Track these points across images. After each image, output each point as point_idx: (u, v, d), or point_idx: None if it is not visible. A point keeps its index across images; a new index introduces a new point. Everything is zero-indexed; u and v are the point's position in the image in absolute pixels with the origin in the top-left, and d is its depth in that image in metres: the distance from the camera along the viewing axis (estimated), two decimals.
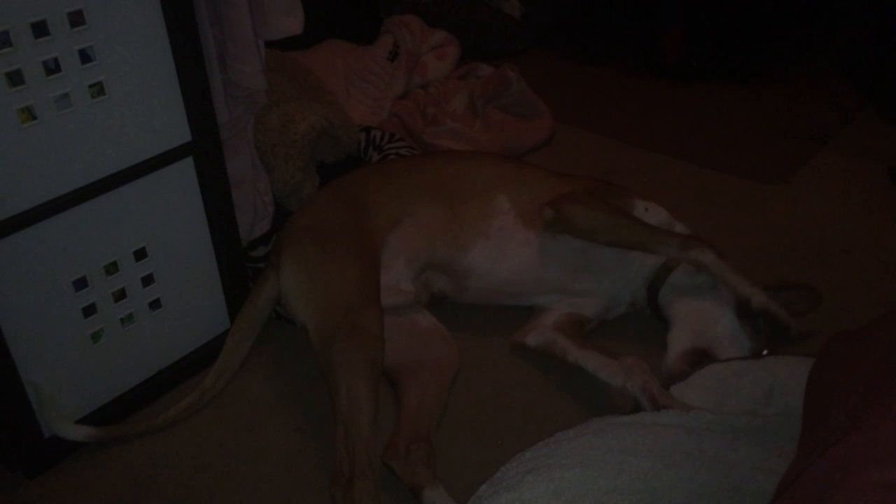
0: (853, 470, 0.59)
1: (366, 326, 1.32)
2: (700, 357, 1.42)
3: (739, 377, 1.29)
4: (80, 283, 1.29)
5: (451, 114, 2.28)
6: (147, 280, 1.39)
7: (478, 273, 1.56)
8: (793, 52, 2.80)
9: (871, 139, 2.31)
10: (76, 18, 1.14)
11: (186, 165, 1.37)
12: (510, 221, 1.56)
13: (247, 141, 1.66)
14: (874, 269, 1.78)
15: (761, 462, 1.06)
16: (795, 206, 2.03)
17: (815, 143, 2.28)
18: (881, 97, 2.45)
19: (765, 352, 1.41)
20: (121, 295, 1.36)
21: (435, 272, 1.56)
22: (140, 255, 1.36)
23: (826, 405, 0.77)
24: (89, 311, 1.32)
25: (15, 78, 1.10)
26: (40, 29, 1.10)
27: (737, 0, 2.62)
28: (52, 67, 1.14)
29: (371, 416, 1.25)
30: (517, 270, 1.56)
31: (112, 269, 1.33)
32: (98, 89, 1.20)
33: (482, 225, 1.55)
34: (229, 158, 1.50)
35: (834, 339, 0.92)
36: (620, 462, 1.01)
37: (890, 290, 1.71)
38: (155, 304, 1.42)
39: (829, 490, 0.59)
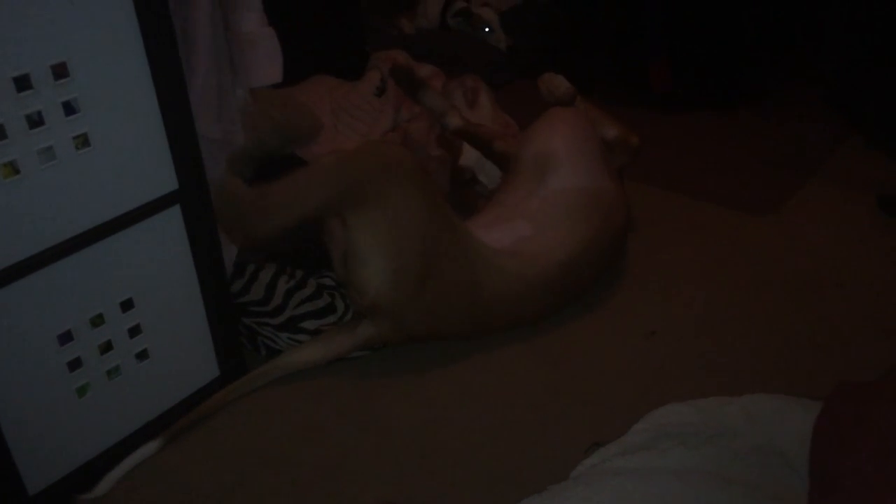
0: None
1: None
2: None
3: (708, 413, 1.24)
4: (65, 338, 1.26)
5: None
6: (134, 331, 1.36)
7: None
8: (778, 81, 2.81)
9: (858, 167, 2.31)
10: (60, 71, 1.12)
11: (174, 214, 1.35)
12: None
13: None
14: (868, 302, 1.77)
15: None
16: (787, 237, 2.02)
17: (803, 173, 2.29)
18: (867, 125, 2.46)
19: None
20: (107, 347, 1.33)
21: None
22: (127, 305, 1.33)
23: (836, 467, 0.75)
24: (74, 365, 1.29)
25: None
26: (23, 83, 1.08)
27: (722, 29, 2.64)
28: (36, 120, 1.11)
29: None
30: None
31: (98, 321, 1.30)
32: (83, 141, 1.18)
33: None
34: None
35: (839, 392, 0.90)
36: None
37: (885, 323, 1.70)
38: (142, 355, 1.39)
39: None
